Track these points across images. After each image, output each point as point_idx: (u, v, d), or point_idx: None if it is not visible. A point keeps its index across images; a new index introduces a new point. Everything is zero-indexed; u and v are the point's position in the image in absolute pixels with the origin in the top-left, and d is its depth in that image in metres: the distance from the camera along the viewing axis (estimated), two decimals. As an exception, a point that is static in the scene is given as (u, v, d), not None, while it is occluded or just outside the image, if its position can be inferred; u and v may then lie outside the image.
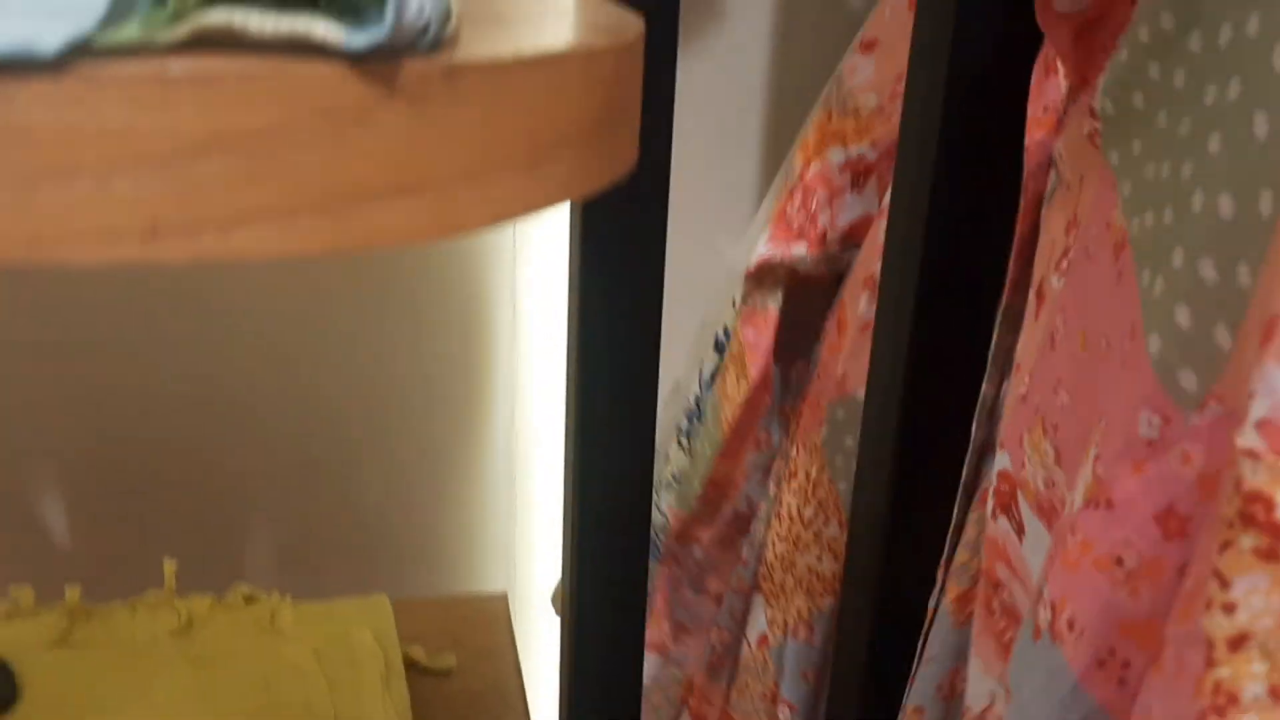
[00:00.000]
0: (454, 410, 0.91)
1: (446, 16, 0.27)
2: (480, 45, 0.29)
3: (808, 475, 0.74)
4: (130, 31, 0.24)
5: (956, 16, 0.48)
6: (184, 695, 0.67)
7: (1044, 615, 0.38)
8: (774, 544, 0.77)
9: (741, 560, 0.83)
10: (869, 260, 0.71)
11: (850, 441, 0.72)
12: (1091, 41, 0.44)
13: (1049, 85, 0.48)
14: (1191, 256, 0.34)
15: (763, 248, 0.76)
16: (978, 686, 0.49)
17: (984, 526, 0.50)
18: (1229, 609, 0.30)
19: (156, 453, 0.86)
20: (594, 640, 0.64)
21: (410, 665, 0.76)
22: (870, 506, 0.60)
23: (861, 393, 0.71)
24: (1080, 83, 0.45)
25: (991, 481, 0.48)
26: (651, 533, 0.87)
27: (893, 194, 0.55)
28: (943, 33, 0.49)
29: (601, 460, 0.59)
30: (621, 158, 0.34)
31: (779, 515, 0.77)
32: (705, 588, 0.86)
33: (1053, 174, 0.48)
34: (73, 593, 0.72)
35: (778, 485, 0.79)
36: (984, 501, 0.51)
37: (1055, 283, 0.45)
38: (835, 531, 0.73)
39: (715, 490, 0.82)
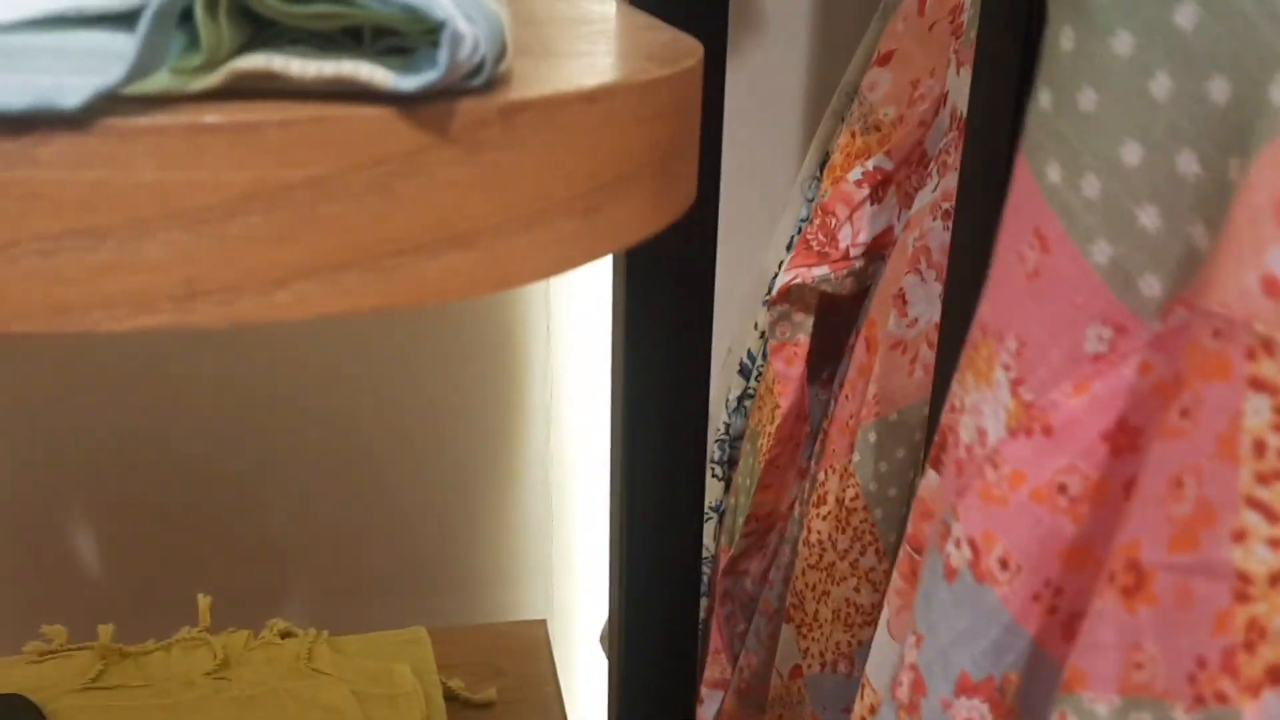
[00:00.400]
0: (489, 436, 0.89)
1: (502, 52, 0.25)
2: (534, 80, 0.27)
3: (839, 501, 0.72)
4: (160, 80, 0.22)
5: (1028, 8, 0.46)
6: (221, 738, 0.65)
7: (959, 555, 0.36)
8: (804, 572, 0.74)
9: (768, 582, 0.81)
10: (896, 275, 0.69)
11: (885, 466, 0.70)
12: None
13: None
14: (1162, 149, 0.31)
15: (784, 275, 0.74)
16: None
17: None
18: (1277, 544, 0.28)
19: (188, 487, 0.85)
20: (643, 677, 0.62)
21: (451, 698, 0.74)
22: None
23: (895, 414, 0.69)
24: None
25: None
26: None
27: (958, 199, 0.53)
28: (1015, 25, 0.46)
29: (649, 495, 0.56)
30: (680, 196, 0.31)
31: (807, 542, 0.74)
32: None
33: None
34: (105, 632, 0.71)
35: (804, 509, 0.76)
36: None
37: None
38: (873, 561, 0.71)
39: (759, 523, 0.80)
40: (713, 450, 0.85)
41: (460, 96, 0.24)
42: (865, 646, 0.72)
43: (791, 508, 0.79)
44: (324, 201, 0.23)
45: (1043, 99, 0.34)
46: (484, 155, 0.25)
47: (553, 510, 0.93)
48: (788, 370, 0.76)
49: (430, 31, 0.23)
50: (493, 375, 0.87)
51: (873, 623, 0.72)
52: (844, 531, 0.71)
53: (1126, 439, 0.33)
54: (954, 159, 0.66)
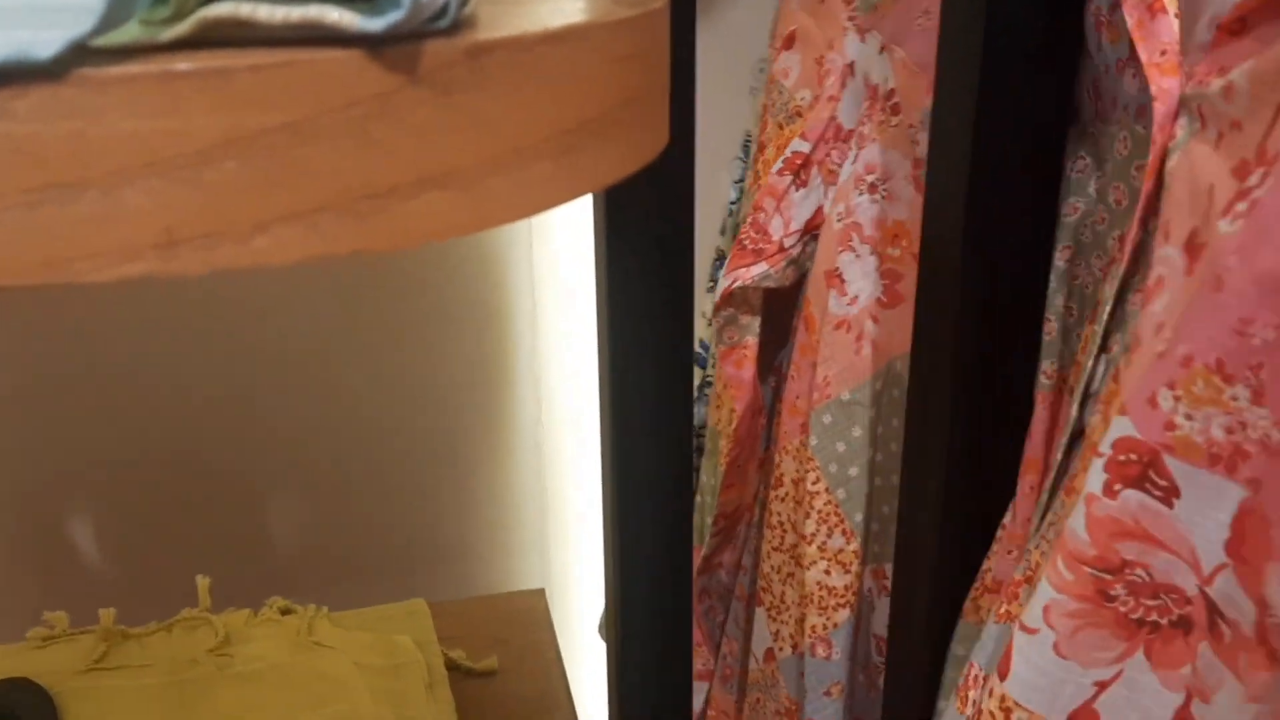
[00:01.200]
0: (480, 408, 0.89)
1: (465, -6, 0.25)
2: (501, 23, 0.27)
3: (795, 483, 0.72)
4: (131, 31, 0.23)
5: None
6: (226, 715, 0.65)
7: None
8: (769, 555, 0.74)
9: (742, 568, 0.81)
10: (828, 254, 0.68)
11: (843, 446, 0.69)
12: None
13: (1159, 26, 0.45)
14: None
15: (724, 279, 0.73)
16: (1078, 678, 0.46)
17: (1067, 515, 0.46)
18: None
19: (182, 468, 0.85)
20: (641, 658, 0.62)
21: (453, 668, 0.74)
22: (921, 493, 0.58)
23: (847, 394, 0.68)
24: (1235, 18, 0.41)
25: (1104, 455, 0.44)
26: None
27: (929, 164, 0.53)
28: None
29: (639, 473, 0.57)
30: (654, 136, 0.32)
31: (769, 524, 0.74)
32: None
33: (1183, 120, 0.44)
34: (107, 615, 0.71)
35: (765, 492, 0.76)
36: (1071, 491, 0.47)
37: (1225, 227, 0.41)
38: (841, 543, 0.70)
39: (727, 520, 0.80)
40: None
41: (426, 38, 0.24)
42: (843, 628, 0.72)
43: (756, 495, 0.79)
44: (298, 145, 0.24)
45: None
46: (453, 96, 0.25)
47: (546, 480, 0.93)
48: (739, 374, 0.75)
49: (395, -26, 0.23)
50: (480, 347, 0.87)
51: (847, 605, 0.71)
52: (808, 516, 0.71)
53: None
54: (871, 130, 0.66)
